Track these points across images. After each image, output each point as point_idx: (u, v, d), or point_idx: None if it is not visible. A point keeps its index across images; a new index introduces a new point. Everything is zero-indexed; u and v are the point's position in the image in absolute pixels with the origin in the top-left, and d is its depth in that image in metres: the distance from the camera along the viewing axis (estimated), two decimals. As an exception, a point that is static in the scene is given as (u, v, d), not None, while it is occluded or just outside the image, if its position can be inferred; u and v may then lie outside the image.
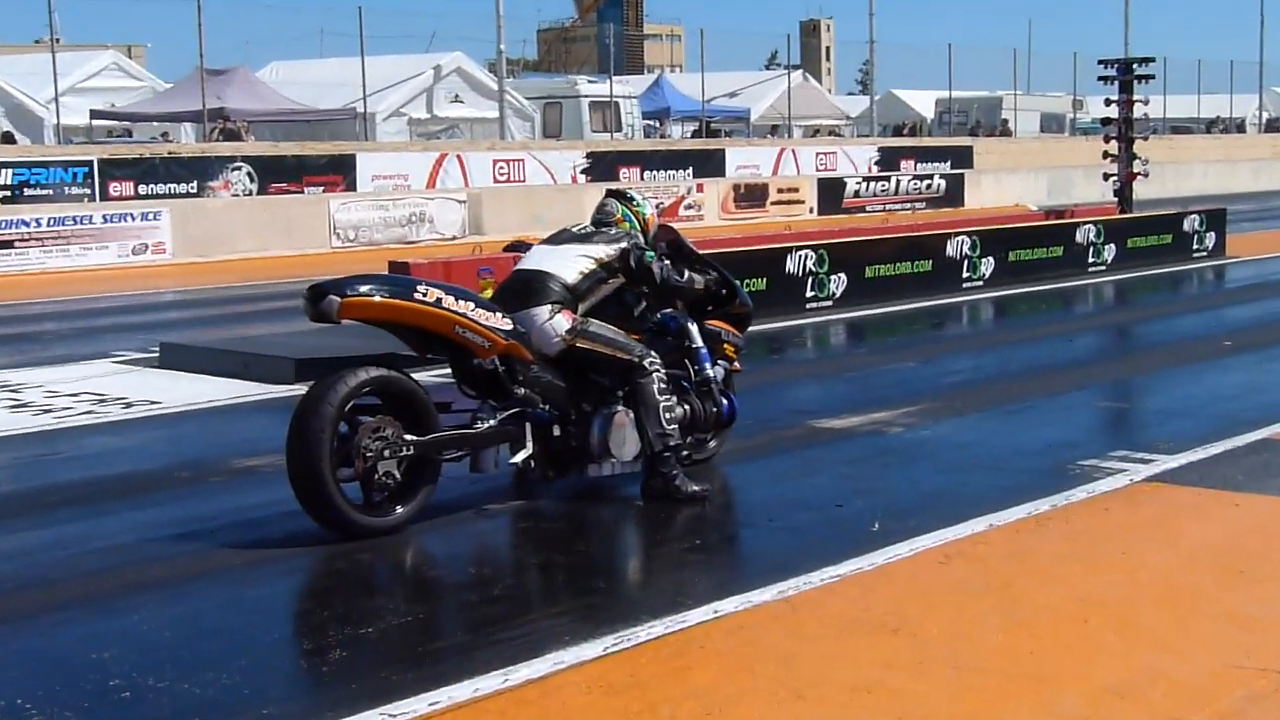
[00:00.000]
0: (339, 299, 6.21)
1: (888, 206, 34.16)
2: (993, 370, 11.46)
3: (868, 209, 33.73)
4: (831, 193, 33.73)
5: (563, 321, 6.97)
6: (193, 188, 25.83)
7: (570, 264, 7.16)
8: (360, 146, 30.14)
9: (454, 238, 26.08)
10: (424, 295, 6.44)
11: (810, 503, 7.01)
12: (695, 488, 7.02)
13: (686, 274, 7.55)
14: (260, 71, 38.13)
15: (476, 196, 27.47)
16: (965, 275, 17.09)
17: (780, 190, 32.97)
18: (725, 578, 5.84)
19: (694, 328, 7.60)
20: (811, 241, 15.95)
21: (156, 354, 12.28)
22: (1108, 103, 22.69)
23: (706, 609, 5.33)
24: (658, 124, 45.54)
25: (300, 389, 10.14)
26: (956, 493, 7.15)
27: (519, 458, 6.90)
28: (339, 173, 27.95)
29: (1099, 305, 16.93)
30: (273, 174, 26.98)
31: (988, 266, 17.35)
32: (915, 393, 10.12)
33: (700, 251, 7.92)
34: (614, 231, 7.42)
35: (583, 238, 7.36)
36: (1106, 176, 23.01)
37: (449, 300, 6.52)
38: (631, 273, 7.29)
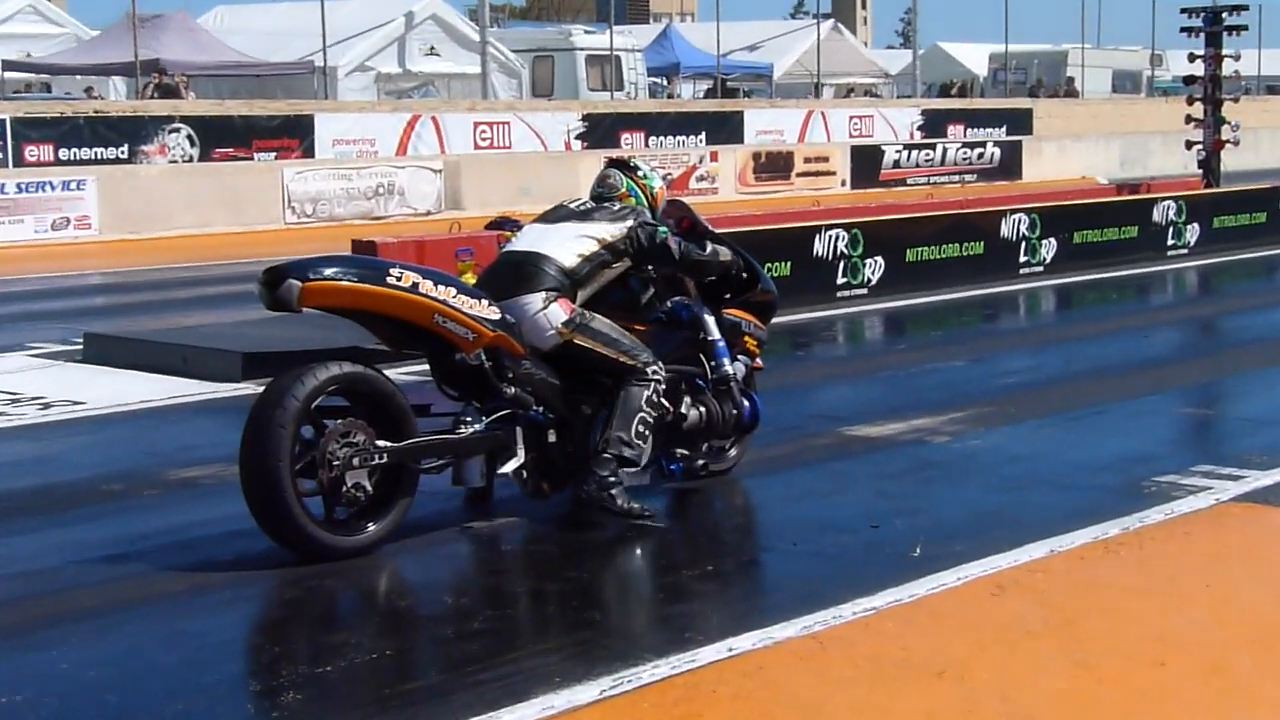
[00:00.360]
0: (300, 284, 6.20)
1: (933, 179, 34.17)
2: (1054, 370, 11.46)
3: (909, 182, 33.75)
4: (867, 163, 33.75)
5: (559, 312, 6.98)
6: (123, 152, 25.85)
7: (568, 245, 7.17)
8: (319, 106, 30.17)
9: (428, 213, 26.11)
10: (398, 279, 6.44)
11: (842, 523, 7.01)
12: (635, 507, 6.94)
13: (709, 246, 7.55)
14: (202, 17, 38.19)
15: (454, 165, 27.50)
16: (1023, 259, 17.10)
17: (807, 160, 32.99)
18: (742, 610, 5.84)
19: (710, 319, 7.60)
20: (844, 220, 15.95)
21: (80, 346, 12.29)
22: (1192, 58, 22.68)
23: (719, 646, 5.33)
24: (665, 82, 45.57)
25: (248, 388, 10.15)
26: (1012, 513, 7.15)
27: (509, 468, 6.90)
28: (294, 136, 27.98)
29: (1180, 295, 16.92)
30: (217, 137, 27.00)
31: (1049, 249, 17.35)
32: (964, 396, 10.13)
33: (716, 231, 7.92)
34: (618, 207, 7.43)
35: (582, 215, 7.37)
36: (1190, 145, 23.01)
37: (427, 285, 6.51)
38: (641, 253, 7.30)
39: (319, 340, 11.15)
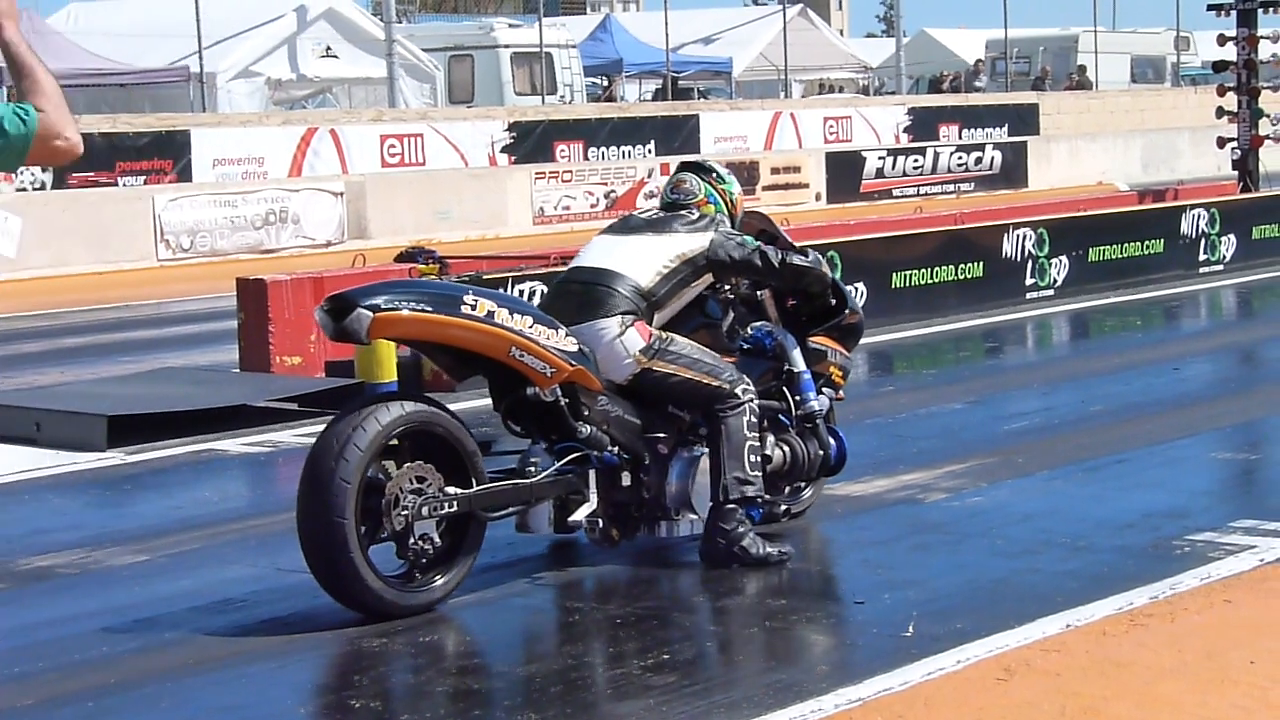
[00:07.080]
0: (371, 314, 6.63)
1: (923, 190, 34.32)
2: (1069, 412, 11.50)
3: (895, 193, 33.88)
4: (845, 172, 33.87)
5: (636, 338, 7.26)
6: (-41, 179, 25.72)
7: (645, 261, 7.45)
8: (196, 119, 30.11)
9: (328, 244, 26.03)
10: (473, 308, 6.83)
11: (821, 599, 7.01)
12: (772, 550, 7.33)
13: (812, 254, 7.86)
14: (53, 16, 38.09)
15: (358, 186, 27.46)
16: (1030, 282, 17.16)
17: (775, 170, 33.09)
18: (703, 706, 5.83)
19: (795, 349, 7.89)
20: (819, 240, 15.97)
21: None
22: (1222, 40, 22.86)
23: (678, 751, 5.33)
24: (605, 83, 45.68)
25: (114, 458, 10.09)
26: (1020, 583, 7.17)
27: (581, 514, 7.23)
28: (167, 156, 27.89)
29: (1215, 319, 17.01)
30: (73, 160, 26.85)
31: (1060, 269, 17.42)
32: (963, 445, 10.16)
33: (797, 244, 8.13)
34: (695, 216, 7.68)
35: (656, 226, 7.63)
36: (1222, 142, 23.17)
37: (503, 314, 6.91)
38: (725, 269, 7.57)
39: (197, 397, 11.14)
